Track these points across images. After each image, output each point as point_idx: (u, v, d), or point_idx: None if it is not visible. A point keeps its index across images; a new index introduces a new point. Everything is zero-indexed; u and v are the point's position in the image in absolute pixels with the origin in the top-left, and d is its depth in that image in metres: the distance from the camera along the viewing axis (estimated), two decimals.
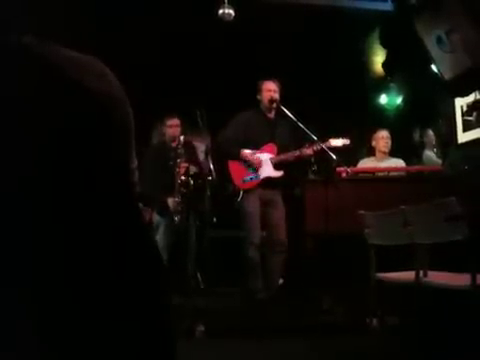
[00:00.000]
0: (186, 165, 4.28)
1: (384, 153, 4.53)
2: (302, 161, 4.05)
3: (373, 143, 4.61)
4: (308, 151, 3.93)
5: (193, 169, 4.31)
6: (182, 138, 4.31)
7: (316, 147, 3.89)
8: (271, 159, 4.08)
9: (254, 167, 4.02)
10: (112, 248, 0.74)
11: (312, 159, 3.95)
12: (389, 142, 4.55)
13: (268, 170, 4.06)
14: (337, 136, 3.99)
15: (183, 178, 4.24)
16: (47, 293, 0.67)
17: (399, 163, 4.47)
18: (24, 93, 0.69)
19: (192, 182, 4.26)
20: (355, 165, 4.43)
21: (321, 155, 3.90)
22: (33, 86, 0.70)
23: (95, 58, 0.78)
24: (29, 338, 0.66)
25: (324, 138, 3.92)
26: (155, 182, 4.21)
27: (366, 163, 4.51)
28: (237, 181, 4.04)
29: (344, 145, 3.97)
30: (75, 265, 0.70)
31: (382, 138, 4.56)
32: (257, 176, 4.04)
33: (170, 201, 4.24)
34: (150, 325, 0.76)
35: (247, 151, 4.06)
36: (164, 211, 4.26)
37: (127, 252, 0.76)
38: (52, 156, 0.69)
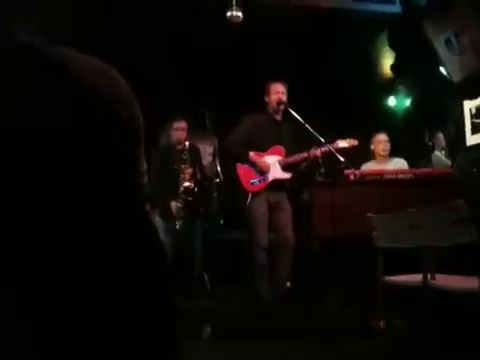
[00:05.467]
0: (190, 171, 4.29)
1: (383, 156, 4.51)
2: (310, 163, 4.05)
3: (372, 147, 4.59)
4: (316, 152, 3.92)
5: (197, 175, 4.33)
6: (187, 143, 4.32)
7: (324, 149, 3.89)
8: (279, 161, 4.08)
9: (262, 171, 4.02)
10: (118, 248, 0.74)
11: (320, 161, 3.94)
12: (387, 145, 4.53)
13: (276, 172, 4.06)
14: (345, 138, 3.99)
15: (186, 185, 4.25)
16: (52, 292, 0.68)
17: (401, 163, 4.45)
18: (35, 93, 0.70)
19: (196, 189, 4.27)
20: (359, 168, 4.41)
21: (329, 157, 3.89)
22: (36, 84, 0.71)
23: (106, 63, 0.79)
24: (32, 337, 0.67)
25: (331, 139, 3.92)
26: (160, 185, 4.22)
27: (368, 167, 4.49)
28: (245, 184, 4.03)
29: (352, 146, 3.96)
30: (81, 264, 0.70)
31: (380, 141, 4.54)
32: (265, 178, 4.04)
33: (173, 205, 4.25)
34: (154, 324, 0.77)
35: (255, 154, 4.06)
36: (166, 214, 4.27)
37: (133, 252, 0.76)
38: (60, 156, 0.70)
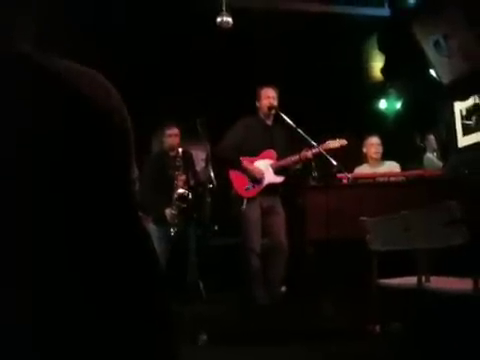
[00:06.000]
0: (184, 178, 4.28)
1: (376, 160, 4.52)
2: (302, 165, 4.06)
3: (364, 150, 4.60)
4: (307, 154, 3.94)
5: (191, 181, 4.33)
6: (180, 150, 4.32)
7: (315, 150, 3.90)
8: (271, 165, 4.08)
9: (256, 179, 4.02)
10: (110, 254, 0.74)
11: (312, 164, 3.95)
12: (380, 148, 4.53)
13: (269, 176, 4.07)
14: (334, 138, 4.00)
15: (180, 191, 4.24)
16: (45, 295, 0.68)
17: (393, 166, 4.46)
18: (25, 101, 0.70)
19: (190, 195, 4.26)
20: (352, 171, 4.42)
21: (321, 160, 3.90)
22: (34, 94, 0.71)
23: (95, 70, 0.79)
24: (29, 340, 0.67)
25: (321, 141, 3.94)
26: (154, 192, 4.22)
27: (361, 170, 4.50)
28: (240, 190, 4.02)
29: (341, 146, 3.97)
30: (73, 270, 0.70)
31: (372, 145, 4.54)
32: (259, 183, 4.04)
33: (168, 212, 4.24)
34: (148, 331, 0.77)
35: (246, 161, 4.05)
36: (161, 221, 4.26)
37: (125, 258, 0.76)
38: (54, 164, 0.70)
